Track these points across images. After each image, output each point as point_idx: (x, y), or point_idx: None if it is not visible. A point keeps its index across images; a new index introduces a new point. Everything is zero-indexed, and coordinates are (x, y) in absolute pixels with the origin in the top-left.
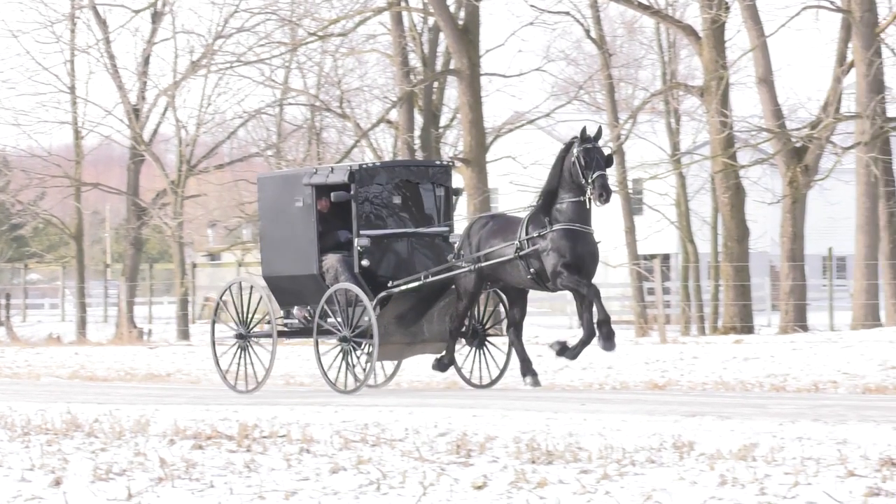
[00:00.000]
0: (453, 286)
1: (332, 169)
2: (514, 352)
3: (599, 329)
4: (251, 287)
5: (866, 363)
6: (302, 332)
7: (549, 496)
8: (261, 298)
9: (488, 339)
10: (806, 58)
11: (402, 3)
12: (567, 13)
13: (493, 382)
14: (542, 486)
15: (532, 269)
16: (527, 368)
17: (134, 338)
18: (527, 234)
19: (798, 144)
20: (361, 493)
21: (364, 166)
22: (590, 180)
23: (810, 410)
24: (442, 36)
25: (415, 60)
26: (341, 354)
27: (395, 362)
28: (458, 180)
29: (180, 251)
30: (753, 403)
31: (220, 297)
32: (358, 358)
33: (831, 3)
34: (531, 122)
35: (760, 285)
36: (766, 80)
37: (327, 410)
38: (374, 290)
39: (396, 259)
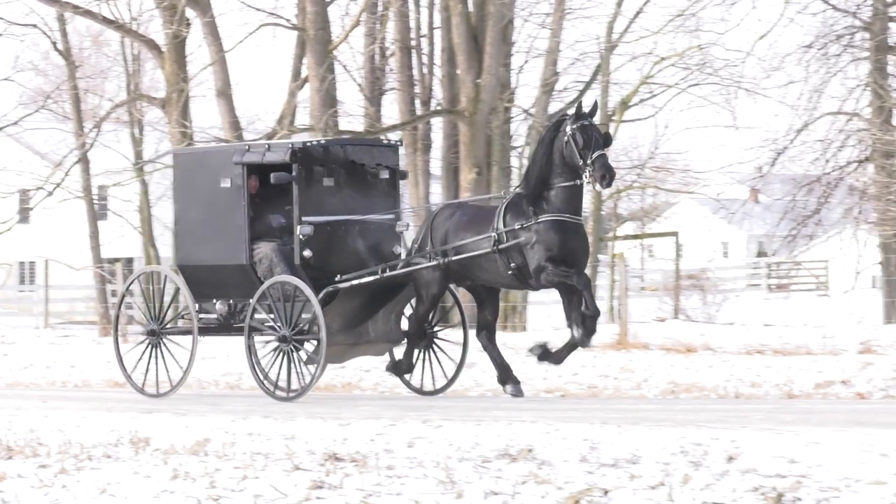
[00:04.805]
0: (410, 283)
1: (269, 146)
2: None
3: (584, 324)
4: (165, 277)
5: None
6: (221, 328)
7: (7, 490)
8: (177, 290)
9: (437, 339)
10: (265, 72)
11: None
12: (35, 25)
13: (442, 388)
14: (1, 481)
15: (513, 265)
16: (506, 375)
17: None
18: (505, 225)
19: None
20: None
21: (308, 144)
22: (589, 161)
23: (261, 408)
24: None
25: None
26: (281, 356)
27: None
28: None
29: None
30: (208, 402)
31: (127, 288)
32: (299, 360)
33: (287, 21)
34: (0, 129)
35: None
36: (225, 93)
37: None
38: (315, 283)
39: (340, 249)
